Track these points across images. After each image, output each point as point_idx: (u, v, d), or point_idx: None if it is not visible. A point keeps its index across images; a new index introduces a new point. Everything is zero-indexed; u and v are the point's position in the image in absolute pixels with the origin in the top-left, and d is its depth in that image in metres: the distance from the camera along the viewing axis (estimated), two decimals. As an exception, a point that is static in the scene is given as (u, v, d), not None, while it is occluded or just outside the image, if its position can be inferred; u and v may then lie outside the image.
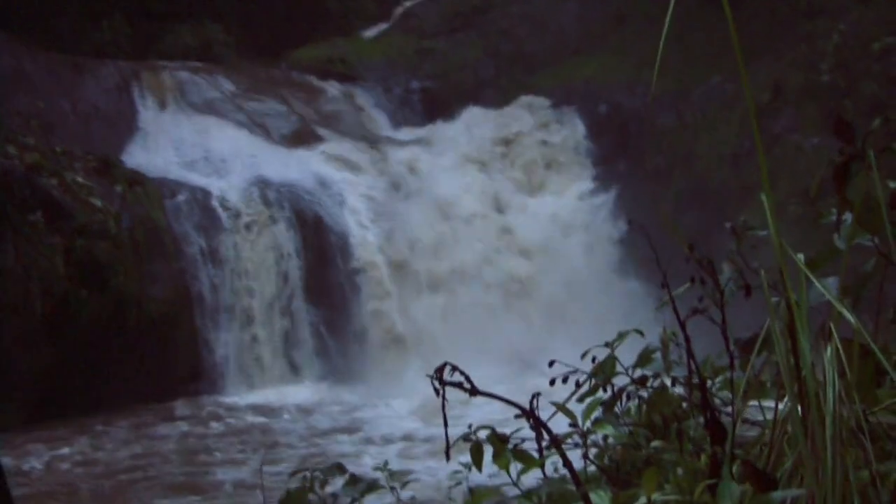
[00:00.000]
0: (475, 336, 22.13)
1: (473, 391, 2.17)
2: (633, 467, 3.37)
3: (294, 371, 23.57)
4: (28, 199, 21.47)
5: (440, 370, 2.20)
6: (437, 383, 2.19)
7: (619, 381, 3.83)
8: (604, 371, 3.67)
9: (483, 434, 2.88)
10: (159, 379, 22.32)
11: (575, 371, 3.35)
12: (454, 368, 2.15)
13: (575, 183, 26.17)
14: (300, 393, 22.68)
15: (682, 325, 2.81)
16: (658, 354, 3.82)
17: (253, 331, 23.60)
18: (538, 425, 2.12)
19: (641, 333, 3.88)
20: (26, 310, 21.06)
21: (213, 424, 20.90)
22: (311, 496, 4.30)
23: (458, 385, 2.16)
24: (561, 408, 3.06)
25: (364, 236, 24.56)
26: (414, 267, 24.55)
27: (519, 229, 25.21)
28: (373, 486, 4.46)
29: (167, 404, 21.85)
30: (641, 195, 24.41)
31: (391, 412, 20.81)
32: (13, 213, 21.06)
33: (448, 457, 2.30)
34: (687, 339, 2.85)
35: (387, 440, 19.03)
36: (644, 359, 3.80)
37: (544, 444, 2.31)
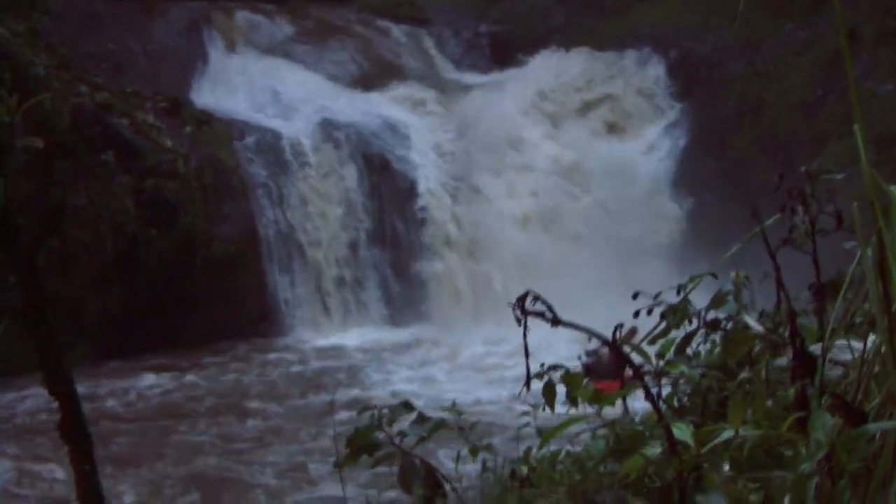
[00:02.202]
0: (543, 285, 22.05)
1: (555, 321, 2.14)
2: (708, 408, 3.33)
3: (359, 313, 23.66)
4: (98, 139, 21.65)
5: (522, 299, 2.17)
6: (518, 312, 2.16)
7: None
8: (677, 313, 3.63)
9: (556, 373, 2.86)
10: (226, 319, 22.51)
11: (660, 303, 3.32)
12: (536, 298, 2.12)
13: (643, 130, 25.90)
14: (365, 335, 22.77)
15: (773, 256, 2.75)
16: (731, 297, 3.77)
17: (319, 273, 23.70)
18: (620, 355, 2.09)
19: (715, 276, 3.83)
20: (97, 249, 21.31)
21: (279, 365, 21.08)
22: (378, 434, 4.28)
23: (540, 314, 2.13)
24: (635, 347, 3.03)
25: (431, 180, 24.50)
26: (481, 212, 24.47)
27: (586, 175, 25.00)
28: (440, 424, 4.44)
29: (234, 344, 22.05)
30: (710, 143, 24.14)
31: (459, 352, 20.86)
32: (84, 153, 21.24)
33: (528, 387, 2.28)
34: (777, 269, 2.79)
35: (449, 381, 19.08)
36: (717, 301, 3.76)
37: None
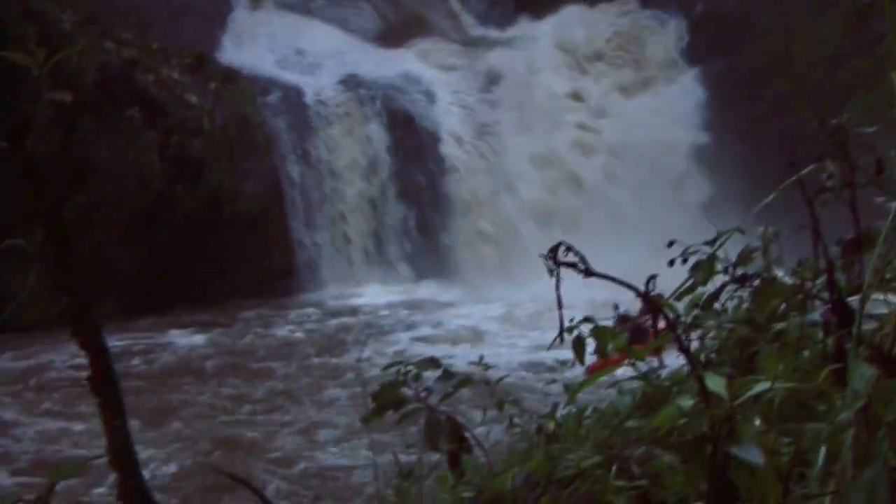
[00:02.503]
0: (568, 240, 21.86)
1: (588, 272, 2.12)
2: (738, 362, 3.31)
3: (382, 270, 23.66)
4: (124, 95, 21.63)
5: (554, 250, 2.15)
6: (550, 263, 2.14)
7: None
8: (704, 268, 3.61)
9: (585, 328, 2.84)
10: (251, 276, 22.55)
11: (695, 252, 3.29)
12: (568, 249, 2.09)
13: (669, 84, 25.71)
14: (389, 291, 22.79)
15: (810, 204, 2.71)
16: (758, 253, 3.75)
17: (344, 229, 23.70)
18: (654, 307, 2.07)
19: (742, 231, 3.80)
20: (122, 205, 21.34)
21: (302, 323, 21.13)
22: (404, 389, 4.27)
23: (572, 265, 2.11)
24: (664, 301, 3.00)
25: (455, 135, 24.42)
26: (505, 168, 24.38)
27: (611, 130, 24.85)
28: (466, 380, 4.43)
29: (258, 301, 22.09)
30: (737, 97, 23.95)
31: (477, 313, 20.84)
32: (109, 109, 21.22)
33: (562, 339, 2.26)
34: (814, 218, 2.75)
35: (470, 339, 19.05)
36: (744, 257, 3.72)
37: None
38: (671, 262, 3.21)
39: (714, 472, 1.88)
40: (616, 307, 13.61)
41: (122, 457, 3.13)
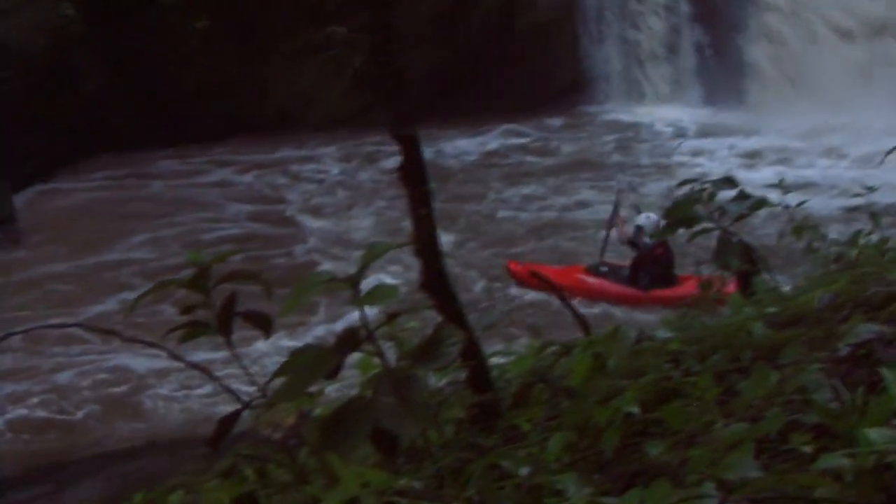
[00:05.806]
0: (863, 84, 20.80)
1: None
2: None
3: (674, 90, 23.25)
4: None
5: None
6: None
7: None
8: None
9: None
10: (539, 87, 22.59)
11: None
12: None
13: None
14: (678, 112, 22.41)
15: None
16: None
17: (636, 47, 23.31)
18: None
19: None
20: (417, 8, 21.55)
21: (588, 136, 21.19)
22: (697, 207, 4.22)
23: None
24: None
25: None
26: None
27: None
28: (762, 202, 4.32)
29: (545, 111, 22.21)
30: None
31: (770, 139, 20.28)
32: None
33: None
34: None
35: (758, 170, 18.57)
36: None
37: None
38: None
39: None
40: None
41: (427, 245, 3.23)
